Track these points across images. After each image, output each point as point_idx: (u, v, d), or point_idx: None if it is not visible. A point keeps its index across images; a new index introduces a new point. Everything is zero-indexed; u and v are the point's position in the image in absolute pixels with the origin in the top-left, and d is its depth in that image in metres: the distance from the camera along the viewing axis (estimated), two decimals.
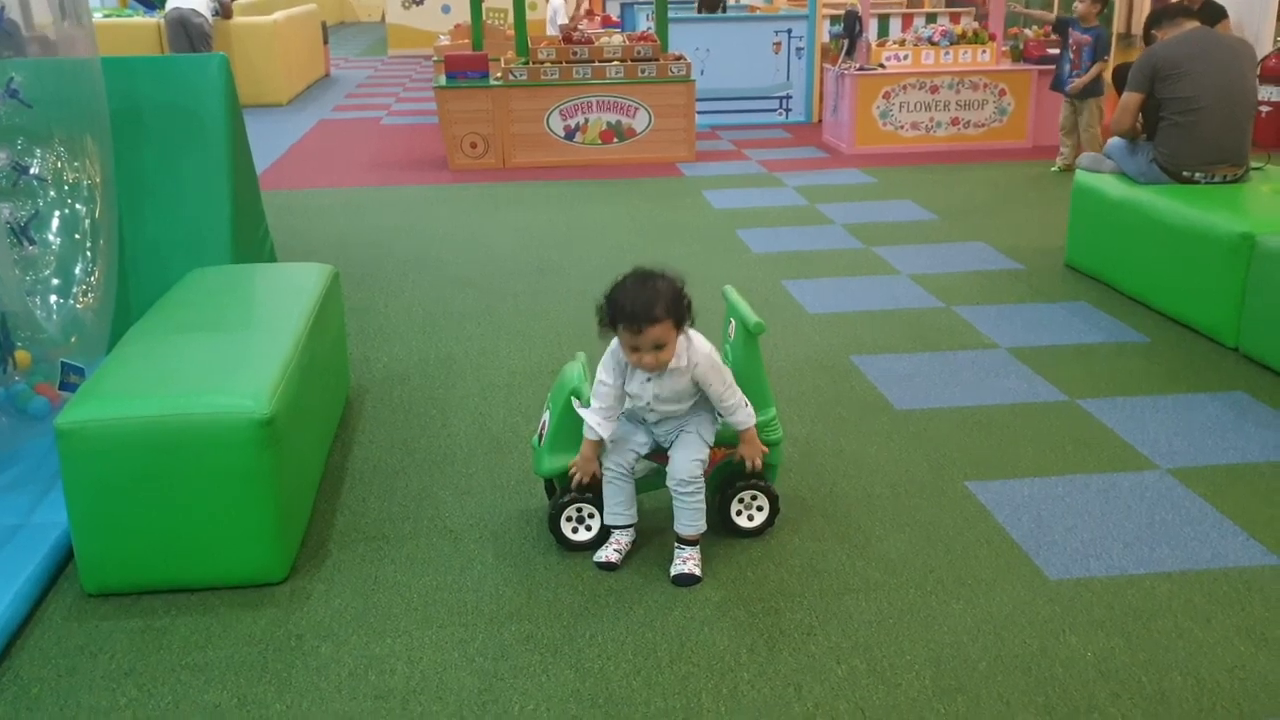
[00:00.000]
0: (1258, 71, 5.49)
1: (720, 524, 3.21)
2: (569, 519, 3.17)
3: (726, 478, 3.22)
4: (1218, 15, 7.99)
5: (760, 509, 3.24)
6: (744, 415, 3.04)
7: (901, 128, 9.21)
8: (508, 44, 10.69)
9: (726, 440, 3.15)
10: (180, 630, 2.84)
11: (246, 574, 2.98)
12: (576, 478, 3.08)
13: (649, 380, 2.96)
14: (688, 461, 3.03)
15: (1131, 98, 5.44)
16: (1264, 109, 9.27)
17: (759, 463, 3.12)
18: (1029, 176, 8.35)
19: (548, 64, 8.82)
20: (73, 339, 3.92)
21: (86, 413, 2.85)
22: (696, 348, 2.94)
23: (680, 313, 2.87)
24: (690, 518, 3.05)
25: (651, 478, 3.20)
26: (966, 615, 2.87)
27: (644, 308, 2.81)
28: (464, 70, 8.82)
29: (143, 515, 2.87)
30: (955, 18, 10.72)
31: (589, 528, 3.18)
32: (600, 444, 3.05)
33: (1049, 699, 2.54)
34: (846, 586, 2.99)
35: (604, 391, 3.00)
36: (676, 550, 3.09)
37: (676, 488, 3.04)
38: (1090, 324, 5.05)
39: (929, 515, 3.37)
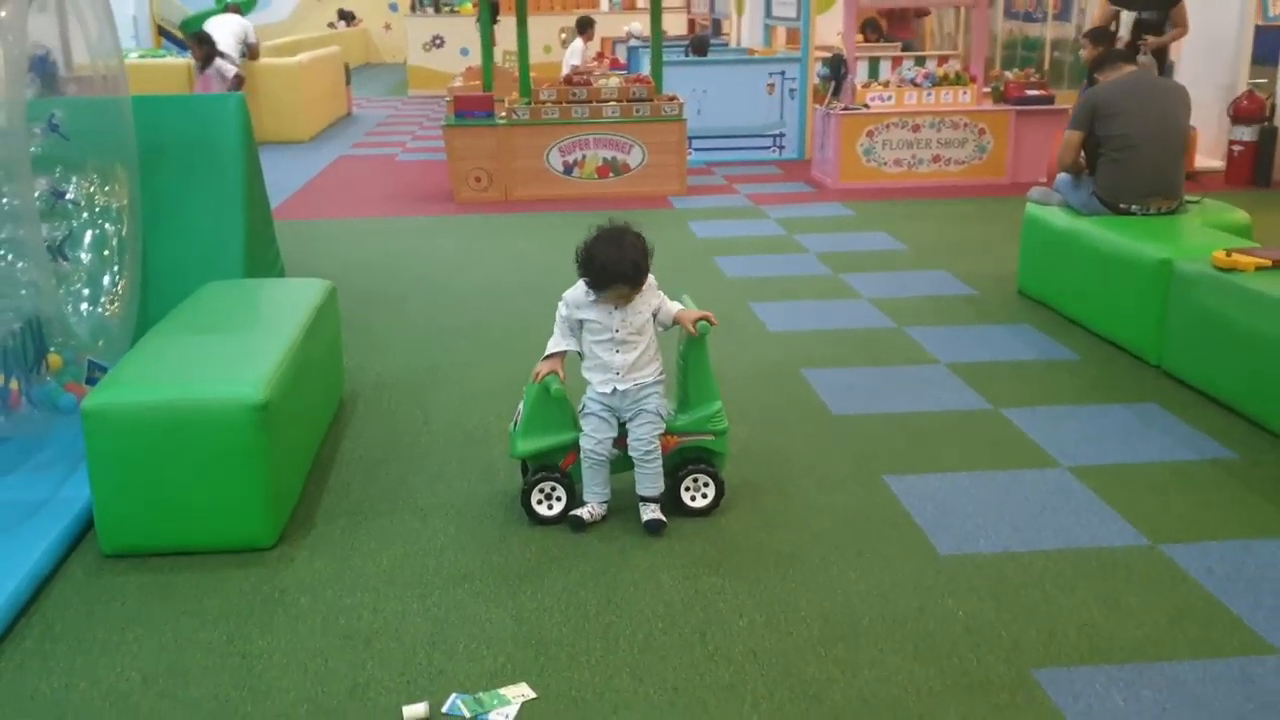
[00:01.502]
0: (1190, 112, 5.91)
1: (671, 504, 3.67)
2: (539, 492, 3.64)
3: (678, 463, 3.68)
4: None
5: (707, 492, 3.70)
6: (675, 305, 3.66)
7: (885, 164, 9.68)
8: (517, 86, 11.22)
9: (675, 429, 3.64)
10: (182, 584, 3.31)
11: (241, 539, 3.45)
12: (542, 373, 3.59)
13: (614, 310, 3.53)
14: (648, 432, 3.57)
15: (1073, 135, 5.91)
16: (1236, 149, 9.71)
17: (711, 319, 3.63)
18: (1001, 210, 8.75)
19: (549, 104, 9.36)
20: (100, 343, 4.41)
21: (108, 397, 3.35)
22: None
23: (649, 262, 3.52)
24: (651, 481, 3.59)
25: (619, 462, 3.68)
26: (860, 582, 3.30)
27: (634, 271, 3.45)
28: (471, 110, 9.37)
29: (154, 485, 3.35)
30: (942, 60, 11.22)
31: (550, 507, 3.64)
32: (562, 357, 3.61)
33: (918, 647, 2.98)
34: (759, 558, 3.44)
35: (561, 319, 3.62)
36: (641, 507, 3.62)
37: (641, 457, 3.56)
38: (1027, 343, 5.48)
39: (844, 502, 3.81)
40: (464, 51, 19.16)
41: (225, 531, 3.44)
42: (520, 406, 3.68)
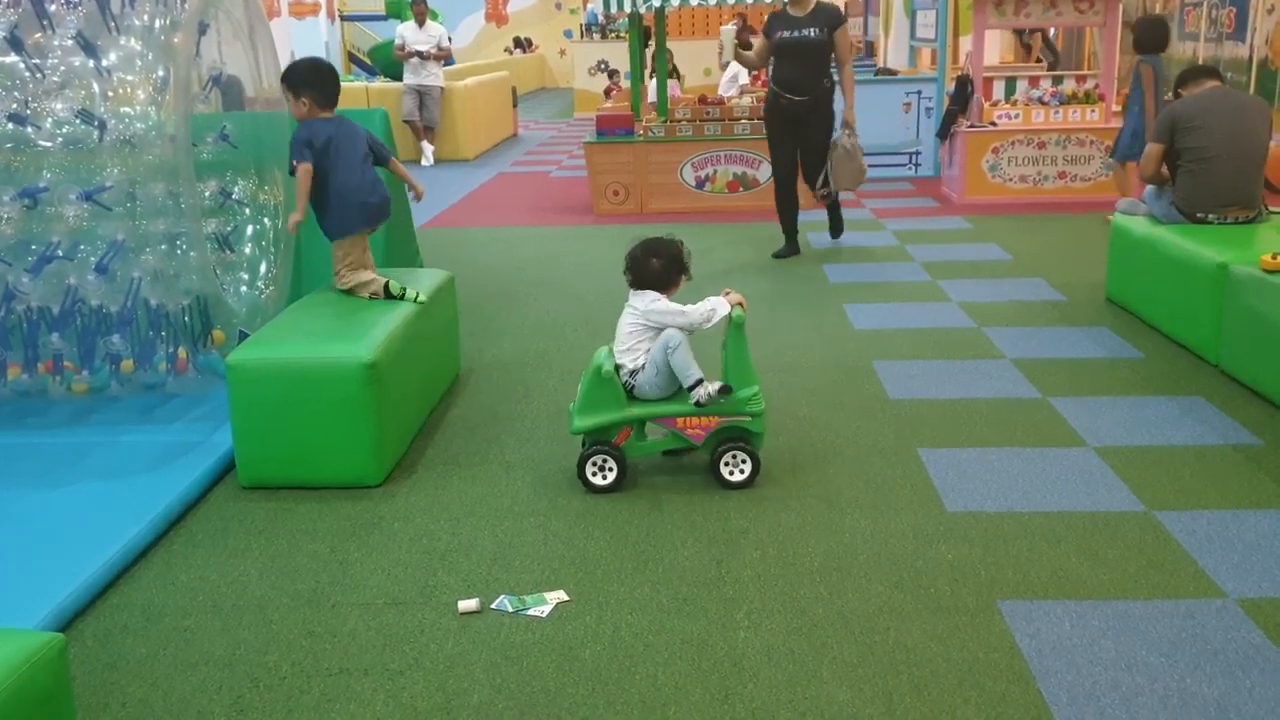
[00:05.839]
0: (1270, 126, 6.10)
1: (711, 478, 4.16)
2: (593, 463, 4.19)
3: (718, 441, 4.17)
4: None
5: (744, 469, 4.17)
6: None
7: (1010, 180, 9.96)
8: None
9: (716, 411, 4.12)
10: (301, 510, 4.01)
11: (353, 477, 4.14)
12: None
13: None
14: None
15: (1154, 148, 6.20)
16: None
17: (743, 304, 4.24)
18: None
19: (683, 122, 9.97)
20: (257, 320, 5.20)
21: (249, 354, 4.10)
22: None
23: None
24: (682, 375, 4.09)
25: (666, 440, 4.22)
26: (867, 528, 3.78)
27: None
28: (612, 128, 10.06)
29: (282, 428, 4.07)
30: (1081, 79, 11.34)
31: (604, 477, 4.14)
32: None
33: (902, 579, 3.44)
34: (784, 507, 3.95)
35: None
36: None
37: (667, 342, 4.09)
38: (1098, 344, 5.80)
39: (875, 469, 4.28)
40: (629, 76, 19.94)
41: (340, 470, 4.13)
42: (579, 390, 4.26)
